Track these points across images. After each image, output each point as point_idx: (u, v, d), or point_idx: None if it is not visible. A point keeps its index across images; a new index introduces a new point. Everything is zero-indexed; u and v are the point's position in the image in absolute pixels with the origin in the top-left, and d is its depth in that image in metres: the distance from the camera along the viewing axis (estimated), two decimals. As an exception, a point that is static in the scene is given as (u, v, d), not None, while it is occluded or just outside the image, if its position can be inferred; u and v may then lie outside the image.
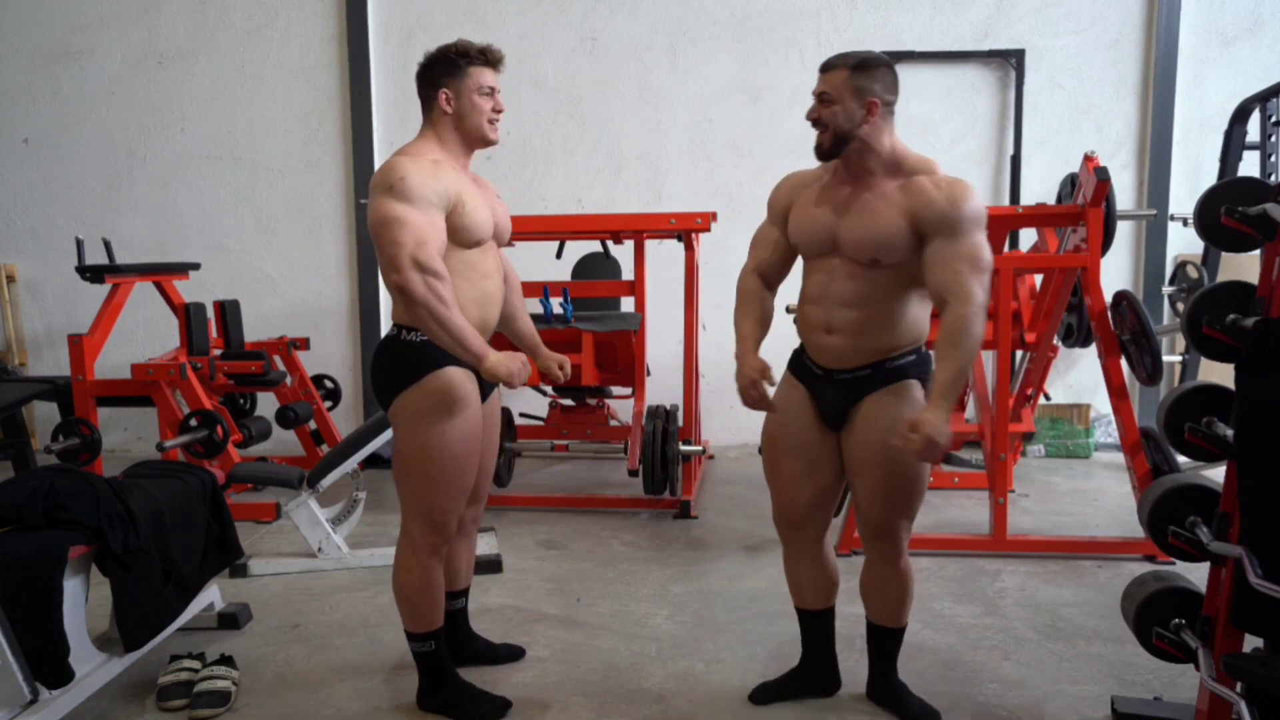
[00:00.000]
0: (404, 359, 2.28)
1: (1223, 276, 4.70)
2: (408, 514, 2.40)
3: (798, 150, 5.33)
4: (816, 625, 2.56)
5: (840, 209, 2.26)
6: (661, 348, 5.20)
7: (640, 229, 4.52)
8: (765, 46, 5.73)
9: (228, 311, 5.03)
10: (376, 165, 5.76)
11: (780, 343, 2.61)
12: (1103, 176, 3.61)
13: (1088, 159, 3.74)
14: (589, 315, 4.66)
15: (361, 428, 3.84)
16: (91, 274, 4.61)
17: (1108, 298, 3.76)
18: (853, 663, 2.65)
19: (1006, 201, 5.68)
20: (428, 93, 2.38)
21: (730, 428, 5.78)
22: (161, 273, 4.95)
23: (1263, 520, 1.94)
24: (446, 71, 2.35)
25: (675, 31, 5.76)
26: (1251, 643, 2.09)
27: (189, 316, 4.72)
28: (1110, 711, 2.48)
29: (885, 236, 2.18)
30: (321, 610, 3.27)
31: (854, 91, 2.14)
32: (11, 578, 2.27)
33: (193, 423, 4.35)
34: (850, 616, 2.80)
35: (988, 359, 4.78)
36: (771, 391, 2.37)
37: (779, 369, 2.40)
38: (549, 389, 5.08)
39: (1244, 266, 5.08)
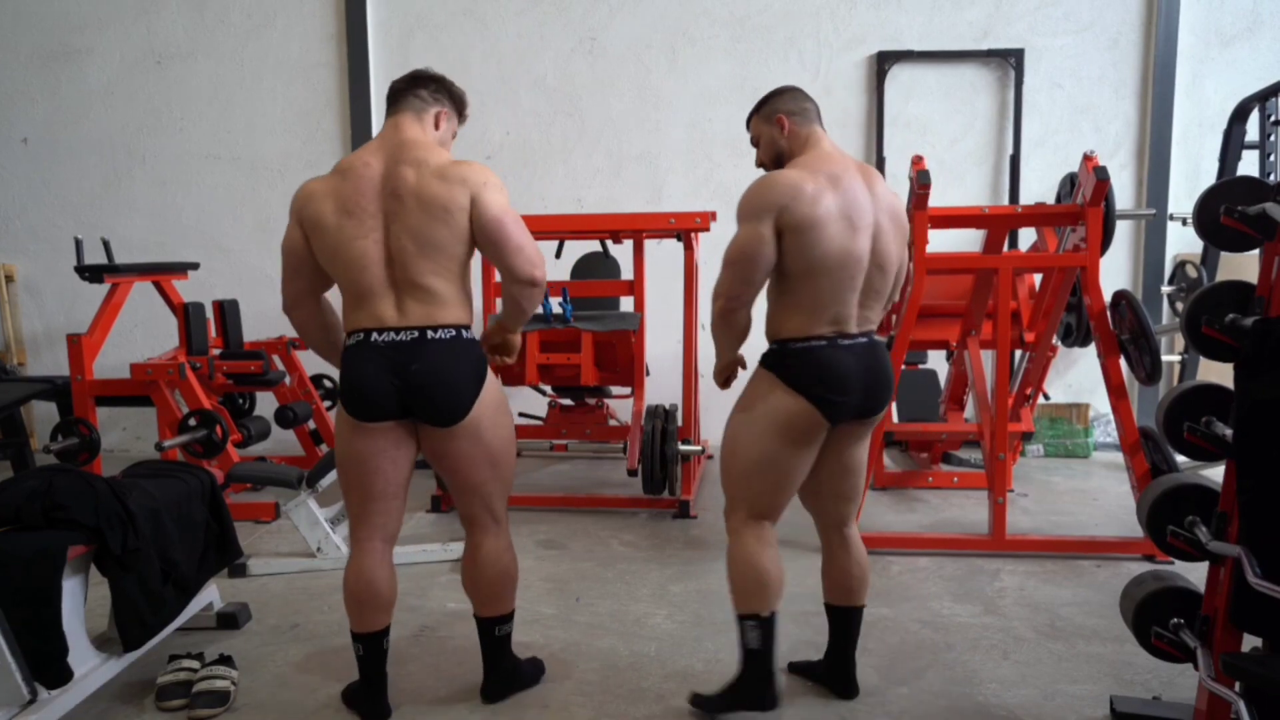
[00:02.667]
0: (476, 357, 2.34)
1: (1222, 276, 4.69)
2: (503, 504, 2.50)
3: (797, 150, 5.21)
4: (830, 620, 2.60)
5: None
6: (661, 347, 5.20)
7: (639, 228, 4.52)
8: (765, 46, 5.74)
9: (227, 311, 5.03)
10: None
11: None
12: (1102, 176, 3.61)
13: (1087, 158, 3.74)
14: (588, 315, 4.66)
15: (360, 427, 3.83)
16: (90, 274, 4.61)
17: (1107, 297, 3.76)
18: (871, 670, 2.65)
19: (1006, 201, 5.69)
20: (438, 102, 2.43)
21: (729, 427, 5.77)
22: (160, 272, 4.95)
23: (1261, 520, 1.94)
24: (459, 110, 2.51)
25: (675, 31, 5.76)
26: (1250, 642, 2.09)
27: (188, 316, 4.72)
28: (1109, 711, 2.48)
29: None
30: (321, 610, 3.27)
31: (764, 120, 2.46)
32: (10, 578, 2.26)
33: (192, 422, 4.35)
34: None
35: (987, 359, 4.78)
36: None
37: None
38: (548, 389, 5.08)
39: (1243, 266, 5.09)
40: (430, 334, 2.27)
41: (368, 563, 2.40)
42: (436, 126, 2.41)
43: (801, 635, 2.96)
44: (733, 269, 2.31)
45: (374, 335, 2.29)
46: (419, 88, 2.41)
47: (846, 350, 2.31)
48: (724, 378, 2.57)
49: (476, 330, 2.40)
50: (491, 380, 2.38)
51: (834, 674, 2.59)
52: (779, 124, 2.41)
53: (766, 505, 2.39)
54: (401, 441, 2.36)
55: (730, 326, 2.39)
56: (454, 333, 2.29)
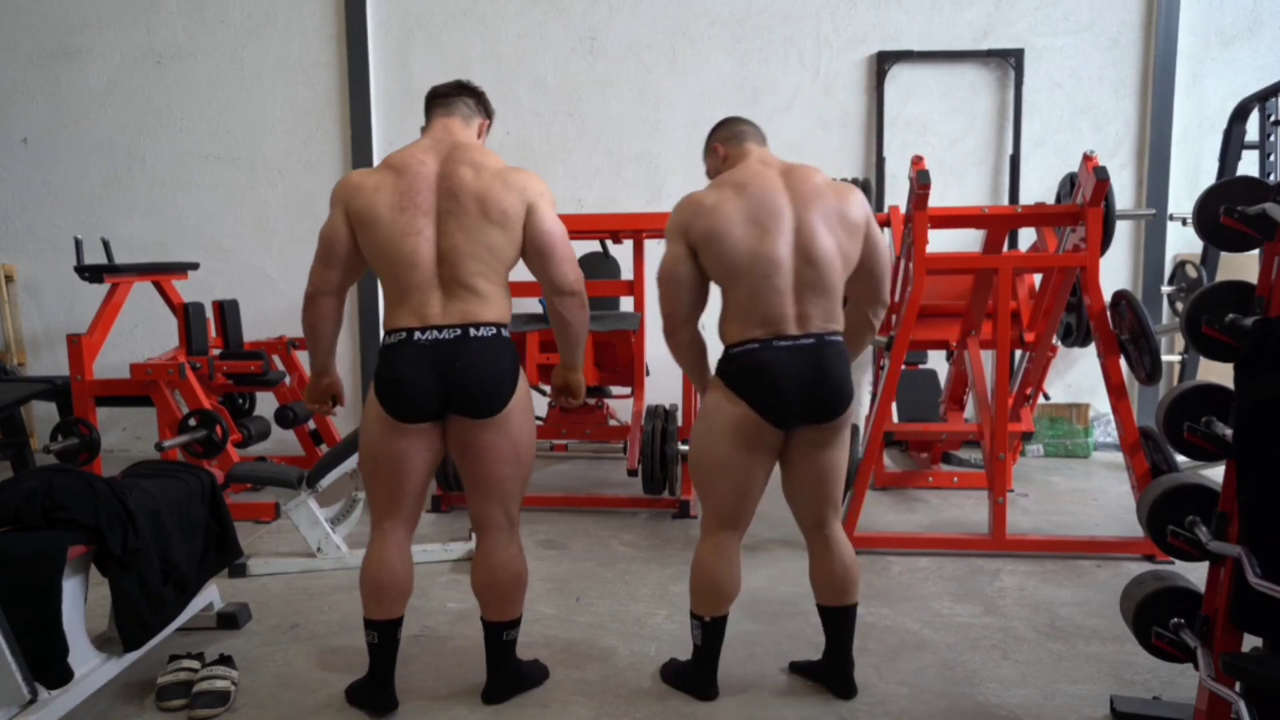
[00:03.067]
0: (514, 355, 2.39)
1: (1222, 276, 4.70)
2: (515, 506, 2.50)
3: (797, 150, 5.37)
4: (823, 621, 2.60)
5: None
6: (660, 347, 5.15)
7: (639, 228, 4.52)
8: (764, 46, 5.74)
9: (226, 311, 5.03)
10: (375, 164, 5.77)
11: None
12: (1102, 176, 3.61)
13: (1087, 158, 3.74)
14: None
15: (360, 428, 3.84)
16: (90, 274, 4.61)
17: (1107, 297, 3.76)
18: (871, 670, 2.65)
19: (1006, 201, 5.69)
20: (480, 114, 2.54)
21: (729, 427, 5.77)
22: (160, 272, 4.95)
23: (1261, 519, 1.94)
24: (490, 119, 2.59)
25: (674, 31, 5.76)
26: (1250, 642, 2.09)
27: (188, 316, 4.72)
28: (1109, 711, 2.48)
29: None
30: (321, 610, 3.27)
31: (709, 154, 2.63)
32: (10, 578, 2.26)
33: (192, 422, 4.35)
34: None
35: (987, 359, 4.78)
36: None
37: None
38: (548, 388, 5.07)
39: (1243, 266, 5.09)
40: (472, 331, 2.31)
41: (391, 551, 2.45)
42: (478, 135, 2.51)
43: (801, 633, 2.97)
44: (660, 289, 2.47)
45: (416, 334, 2.30)
46: (466, 96, 2.50)
47: (782, 351, 2.33)
48: None
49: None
50: (523, 379, 2.43)
51: (832, 674, 2.59)
52: (715, 152, 2.57)
53: (728, 510, 2.47)
54: (434, 441, 2.41)
55: (675, 346, 2.54)
56: (494, 330, 2.34)
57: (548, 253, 2.37)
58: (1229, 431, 2.08)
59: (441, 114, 2.47)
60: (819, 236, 2.34)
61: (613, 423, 5.09)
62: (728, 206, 2.35)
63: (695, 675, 2.59)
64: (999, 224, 4.21)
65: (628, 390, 4.90)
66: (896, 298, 4.39)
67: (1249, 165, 4.74)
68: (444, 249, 2.29)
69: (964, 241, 5.56)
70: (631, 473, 4.24)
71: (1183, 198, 5.57)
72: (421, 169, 2.32)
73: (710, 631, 2.54)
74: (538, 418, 5.17)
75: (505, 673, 2.57)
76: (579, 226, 4.72)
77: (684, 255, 2.41)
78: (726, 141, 2.55)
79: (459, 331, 2.30)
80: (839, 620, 2.56)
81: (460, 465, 2.45)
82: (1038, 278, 4.49)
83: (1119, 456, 4.91)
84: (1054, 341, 4.27)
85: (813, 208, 2.35)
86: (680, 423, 4.54)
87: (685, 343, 2.52)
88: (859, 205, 2.42)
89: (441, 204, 2.30)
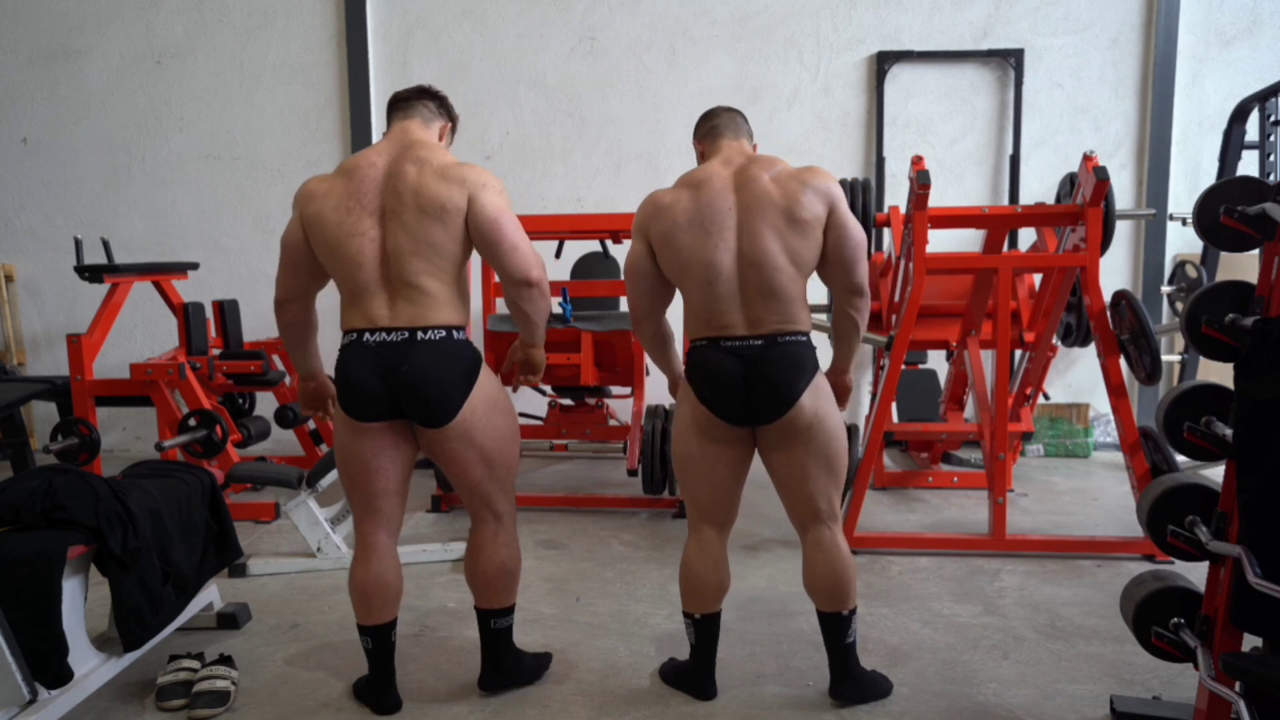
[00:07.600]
0: (467, 358, 2.35)
1: (1222, 276, 4.71)
2: (506, 501, 2.51)
3: (797, 149, 5.35)
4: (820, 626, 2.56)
5: None
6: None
7: (639, 228, 4.51)
8: (764, 46, 5.74)
9: (226, 311, 5.03)
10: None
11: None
12: (1102, 176, 3.61)
13: (1087, 158, 3.74)
14: (588, 315, 4.66)
15: (360, 427, 3.83)
16: (90, 273, 4.61)
17: (1107, 297, 3.76)
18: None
19: (1006, 201, 5.69)
20: (443, 117, 2.53)
21: (729, 427, 5.77)
22: (160, 272, 4.95)
23: (1261, 519, 1.94)
24: (453, 124, 2.58)
25: (674, 31, 5.77)
26: (1250, 642, 2.09)
27: (188, 316, 4.72)
28: (1109, 711, 2.48)
29: None
30: (321, 610, 3.27)
31: (695, 151, 2.62)
32: (10, 578, 2.26)
33: (191, 422, 4.35)
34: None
35: (987, 359, 4.78)
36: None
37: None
38: (548, 389, 5.08)
39: (1243, 266, 5.09)
40: (420, 335, 2.29)
41: (375, 557, 2.46)
42: (439, 139, 2.49)
43: (801, 634, 2.97)
44: (626, 284, 2.53)
45: (365, 335, 2.30)
46: (428, 99, 2.50)
47: (727, 352, 2.35)
48: (673, 392, 2.71)
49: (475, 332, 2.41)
50: (486, 381, 2.39)
51: (832, 678, 2.55)
52: (697, 149, 2.58)
53: (705, 505, 2.51)
54: (400, 441, 2.40)
55: (641, 336, 2.60)
56: (444, 333, 2.31)
57: (495, 241, 2.29)
58: (1229, 431, 2.07)
59: (401, 117, 2.45)
60: (762, 242, 2.31)
61: (613, 423, 5.09)
62: (679, 209, 2.37)
63: (693, 675, 2.59)
64: (999, 224, 4.20)
65: (628, 390, 4.90)
66: (896, 297, 4.39)
67: (1249, 165, 4.74)
68: (388, 249, 2.28)
69: (964, 241, 5.56)
70: (631, 473, 4.25)
71: (1183, 198, 5.58)
72: (371, 170, 2.32)
73: (703, 629, 2.54)
74: (537, 418, 5.20)
75: (498, 662, 2.59)
76: (579, 226, 4.72)
77: (644, 253, 2.45)
78: (703, 139, 2.56)
79: (406, 334, 2.28)
80: (827, 627, 2.50)
81: (440, 467, 2.47)
82: (1038, 278, 4.49)
83: (1119, 456, 4.91)
84: (1054, 341, 4.27)
85: (757, 211, 2.32)
86: (680, 423, 4.54)
87: (650, 334, 2.58)
88: (811, 199, 2.32)
89: (386, 204, 2.29)
